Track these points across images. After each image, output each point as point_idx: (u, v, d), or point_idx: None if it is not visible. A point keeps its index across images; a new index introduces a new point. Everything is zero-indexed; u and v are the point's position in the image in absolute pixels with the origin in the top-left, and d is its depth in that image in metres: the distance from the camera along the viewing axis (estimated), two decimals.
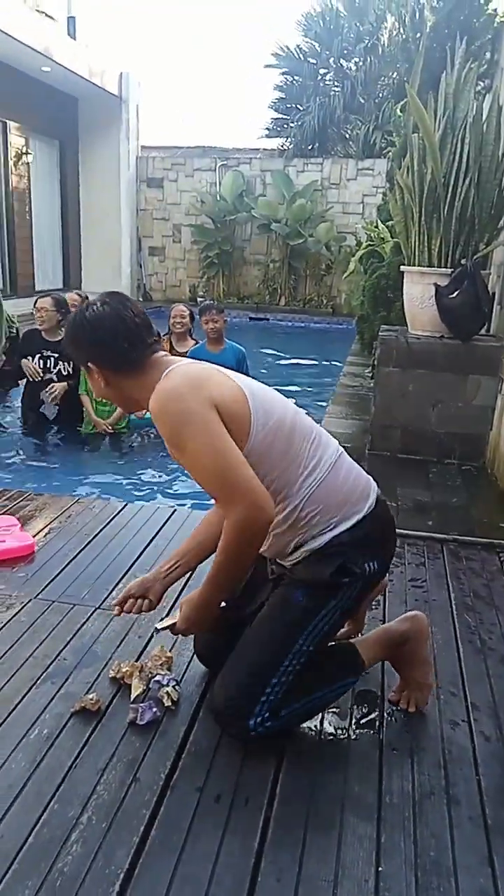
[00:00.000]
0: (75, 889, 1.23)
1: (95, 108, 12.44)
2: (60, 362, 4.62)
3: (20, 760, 1.53)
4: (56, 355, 4.60)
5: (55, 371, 4.63)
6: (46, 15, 10.96)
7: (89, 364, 1.63)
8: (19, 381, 4.84)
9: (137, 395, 1.62)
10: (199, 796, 1.46)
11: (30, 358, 4.64)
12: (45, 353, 4.62)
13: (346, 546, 1.60)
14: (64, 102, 12.17)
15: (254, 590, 1.79)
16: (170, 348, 4.83)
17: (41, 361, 4.63)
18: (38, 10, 10.68)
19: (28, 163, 11.32)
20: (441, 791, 1.52)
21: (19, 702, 1.72)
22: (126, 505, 3.09)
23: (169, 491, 4.01)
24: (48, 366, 4.63)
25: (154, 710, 1.69)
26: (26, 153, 11.21)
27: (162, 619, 1.84)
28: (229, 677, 1.63)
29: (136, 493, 3.95)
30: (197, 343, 4.91)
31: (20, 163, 11.14)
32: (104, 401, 4.59)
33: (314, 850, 1.35)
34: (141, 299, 13.21)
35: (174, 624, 1.70)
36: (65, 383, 4.61)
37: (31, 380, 4.66)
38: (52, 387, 4.59)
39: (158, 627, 1.78)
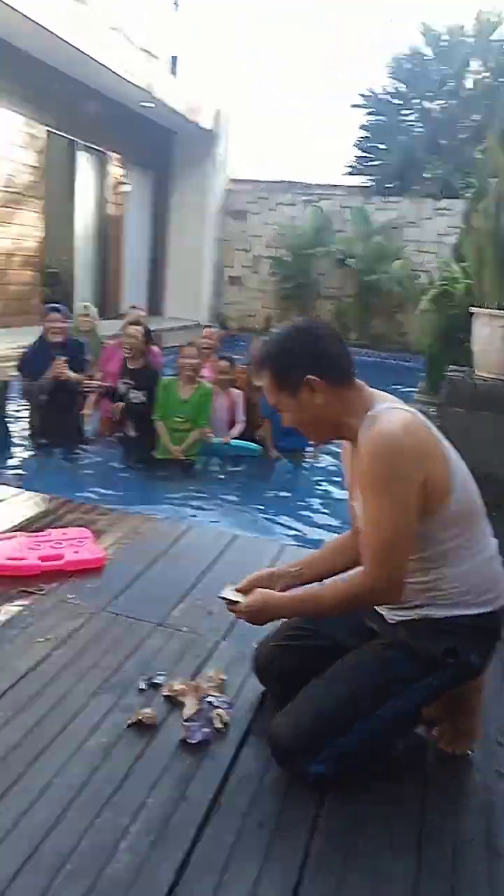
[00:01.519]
0: None
1: (189, 142, 12.96)
2: (133, 391, 4.80)
3: (79, 765, 1.61)
4: (132, 383, 4.80)
5: (128, 397, 4.82)
6: (151, 54, 11.55)
7: (308, 377, 1.55)
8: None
9: (346, 415, 1.59)
10: (242, 820, 1.50)
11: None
12: (123, 379, 4.83)
13: (464, 629, 1.60)
14: (161, 136, 12.74)
15: (335, 625, 1.82)
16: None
17: (121, 386, 4.84)
18: (143, 50, 11.27)
19: (124, 192, 11.84)
20: (482, 842, 1.51)
21: (80, 709, 1.82)
22: (192, 527, 3.19)
23: (231, 517, 4.11)
24: (122, 391, 4.83)
25: (205, 730, 1.75)
26: (123, 183, 11.75)
27: (231, 589, 1.80)
28: (298, 718, 1.63)
29: (201, 516, 4.06)
30: None
31: (117, 192, 11.67)
32: (180, 428, 4.72)
33: (351, 887, 1.37)
34: (217, 327, 13.52)
35: (237, 603, 1.70)
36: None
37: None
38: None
39: (224, 595, 1.76)
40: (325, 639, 1.81)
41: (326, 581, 1.67)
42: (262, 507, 4.30)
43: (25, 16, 7.62)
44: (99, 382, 4.92)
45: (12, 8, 7.40)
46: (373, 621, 1.76)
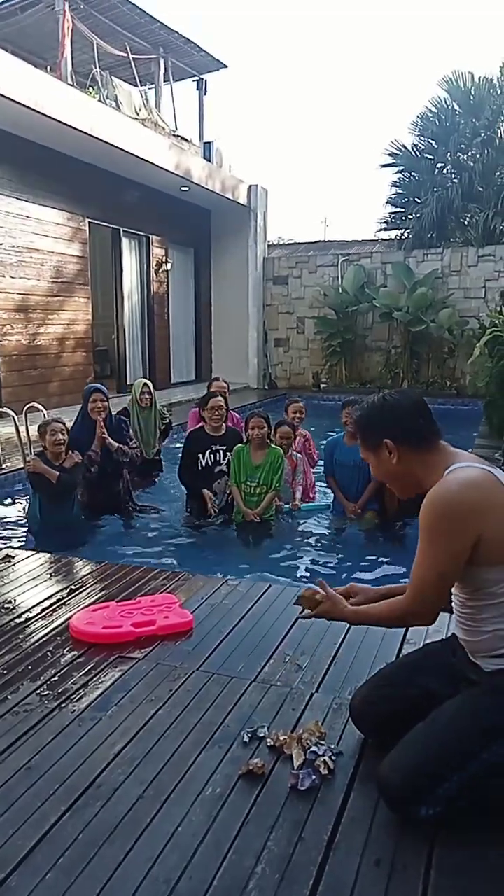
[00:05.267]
0: None
1: (227, 218, 13.67)
2: (229, 454, 4.99)
3: (199, 813, 1.73)
4: (224, 448, 5.02)
5: (224, 462, 5.02)
6: (183, 138, 12.34)
7: (385, 440, 1.83)
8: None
9: (422, 473, 1.80)
10: (360, 859, 1.58)
11: (200, 456, 5.03)
12: (213, 448, 5.04)
13: None
14: (198, 215, 13.47)
15: (429, 675, 1.94)
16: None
17: (211, 456, 5.03)
18: (175, 135, 12.04)
19: (167, 270, 12.50)
20: None
21: (193, 762, 1.94)
22: (270, 586, 3.31)
23: (309, 574, 4.20)
24: (218, 459, 5.02)
25: (313, 777, 1.84)
26: (166, 262, 12.41)
27: (309, 592, 1.99)
28: (404, 765, 1.71)
29: (280, 575, 4.16)
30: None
31: (160, 271, 12.33)
32: (253, 492, 4.86)
33: None
34: (266, 387, 13.89)
35: (310, 609, 1.97)
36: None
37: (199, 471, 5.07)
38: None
39: (303, 594, 1.99)
40: (418, 688, 1.92)
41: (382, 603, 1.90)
42: (338, 563, 4.38)
43: (65, 124, 8.35)
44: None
45: (52, 118, 8.14)
46: (470, 671, 1.84)
